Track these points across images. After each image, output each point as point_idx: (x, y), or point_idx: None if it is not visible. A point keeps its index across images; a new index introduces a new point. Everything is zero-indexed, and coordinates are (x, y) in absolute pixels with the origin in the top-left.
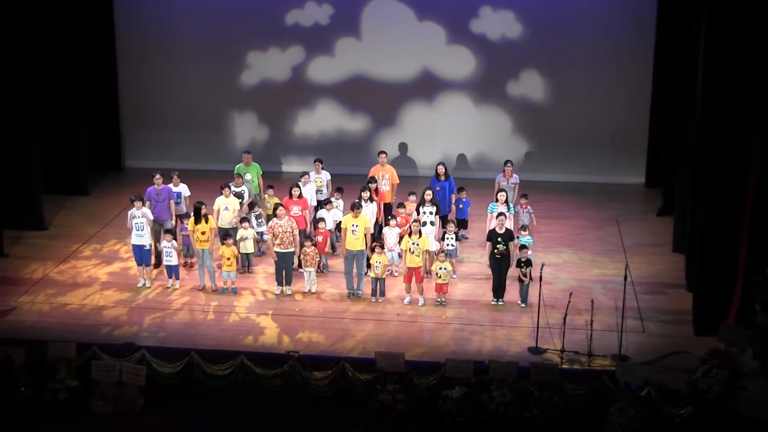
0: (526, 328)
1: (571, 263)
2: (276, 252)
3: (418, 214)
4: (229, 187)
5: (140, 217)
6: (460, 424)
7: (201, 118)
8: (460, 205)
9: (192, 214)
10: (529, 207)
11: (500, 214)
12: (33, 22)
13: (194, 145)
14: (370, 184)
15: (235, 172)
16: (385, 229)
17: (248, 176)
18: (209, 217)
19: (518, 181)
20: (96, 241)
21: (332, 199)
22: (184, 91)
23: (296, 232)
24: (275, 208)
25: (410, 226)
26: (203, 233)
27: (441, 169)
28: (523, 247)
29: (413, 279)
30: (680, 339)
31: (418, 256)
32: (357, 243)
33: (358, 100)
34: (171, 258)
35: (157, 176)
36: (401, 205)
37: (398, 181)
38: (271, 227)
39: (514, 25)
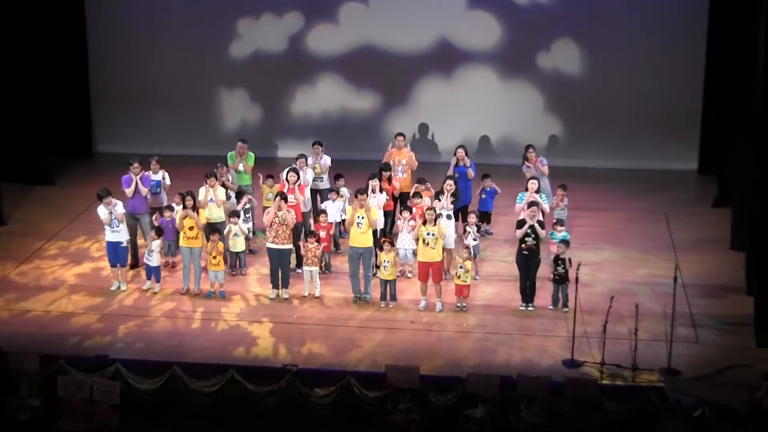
0: (560, 338)
1: (613, 262)
2: (271, 249)
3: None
4: (215, 176)
5: (112, 213)
6: None
7: (184, 95)
8: (483, 195)
9: (174, 205)
10: (566, 200)
11: (532, 203)
12: None
13: (176, 127)
14: (384, 172)
15: (227, 160)
16: (399, 223)
17: (241, 167)
18: (198, 210)
19: (546, 163)
20: (63, 238)
21: (341, 189)
22: (164, 64)
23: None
24: (275, 197)
25: (424, 214)
26: (191, 228)
27: (461, 153)
28: (565, 242)
29: (429, 278)
30: (740, 350)
31: (434, 248)
32: (363, 239)
33: (366, 75)
34: (152, 257)
35: (135, 165)
36: (417, 194)
37: (416, 164)
38: (268, 218)
39: None
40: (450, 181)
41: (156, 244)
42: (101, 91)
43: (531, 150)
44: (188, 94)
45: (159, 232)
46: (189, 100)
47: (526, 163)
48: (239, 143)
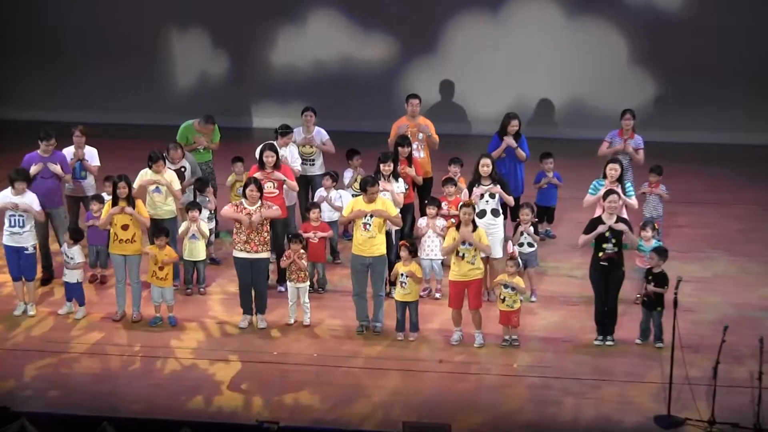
0: (651, 385)
1: (727, 278)
2: (240, 259)
3: (471, 195)
4: (163, 158)
5: (18, 206)
6: None
7: (119, 41)
8: (543, 183)
9: (106, 195)
10: (662, 187)
11: (610, 193)
12: None
13: (108, 86)
14: (401, 148)
15: (177, 138)
16: (421, 222)
17: (201, 144)
18: (137, 202)
19: (641, 145)
20: None
21: (358, 170)
22: (88, 1)
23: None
24: (245, 188)
25: (459, 214)
26: (125, 228)
27: (514, 125)
28: (659, 251)
29: (465, 301)
30: None
31: (472, 262)
32: (372, 244)
33: (376, 11)
34: (72, 270)
35: (51, 140)
36: (450, 181)
37: (437, 140)
38: (234, 215)
39: None
40: (486, 160)
41: (75, 251)
42: (2, 42)
43: (628, 116)
44: (124, 39)
45: (76, 234)
46: (125, 49)
47: (617, 133)
48: (207, 123)
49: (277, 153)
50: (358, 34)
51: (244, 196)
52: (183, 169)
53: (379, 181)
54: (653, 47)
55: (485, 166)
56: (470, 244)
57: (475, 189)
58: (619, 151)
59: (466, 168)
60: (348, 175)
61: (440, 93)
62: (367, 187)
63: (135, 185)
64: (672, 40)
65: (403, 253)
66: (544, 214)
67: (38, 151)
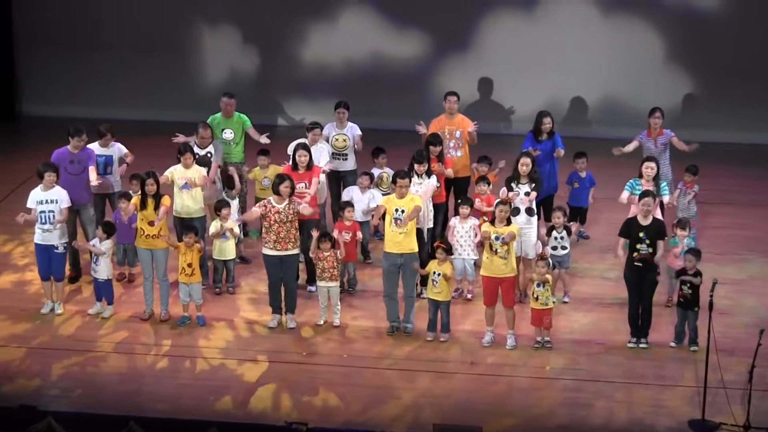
0: (685, 388)
1: (763, 281)
2: (269, 257)
3: (507, 191)
4: (192, 151)
5: (50, 201)
6: None
7: (147, 36)
8: (575, 183)
9: (134, 192)
10: (696, 187)
11: (646, 194)
12: None
13: (135, 83)
14: (432, 146)
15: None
16: (454, 222)
17: (227, 134)
18: (164, 198)
19: (673, 135)
20: None
21: (383, 170)
22: None
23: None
24: (278, 184)
25: (494, 211)
26: (152, 224)
27: (547, 123)
28: (694, 252)
29: (498, 299)
30: None
31: (505, 257)
32: (403, 242)
33: (408, 7)
34: (99, 268)
35: (82, 135)
36: (483, 179)
37: (476, 142)
38: (263, 212)
39: None
40: (526, 159)
41: (106, 246)
42: (29, 33)
43: (657, 115)
44: (153, 35)
45: (108, 228)
46: (154, 44)
47: (646, 133)
48: (224, 98)
49: (310, 152)
50: (390, 30)
51: (276, 192)
52: (209, 155)
53: (410, 176)
54: (689, 45)
55: (524, 165)
56: (502, 239)
57: (514, 186)
58: (653, 150)
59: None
60: (376, 173)
61: (473, 91)
62: (398, 179)
63: (167, 180)
64: (708, 38)
65: (440, 255)
66: (577, 214)
67: (68, 147)
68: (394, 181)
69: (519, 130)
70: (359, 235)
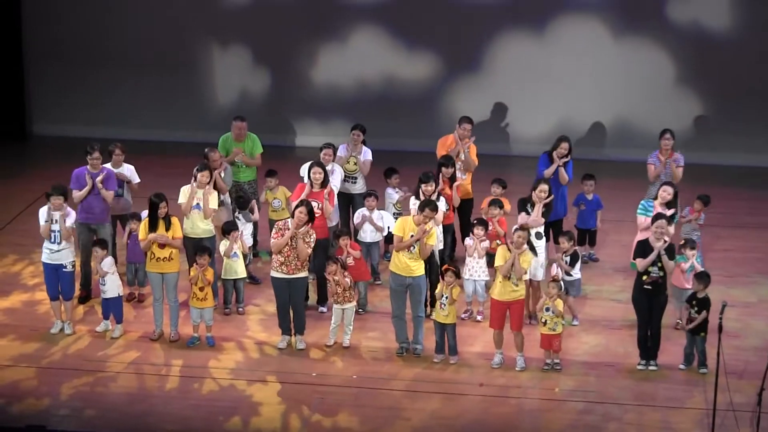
0: (694, 411)
1: None
2: (277, 279)
3: (519, 212)
4: (209, 168)
5: (58, 221)
6: None
7: (157, 58)
8: (582, 205)
9: (144, 214)
10: (702, 217)
11: (658, 216)
12: None
13: (145, 103)
14: (444, 168)
15: (218, 148)
16: (467, 242)
17: (238, 156)
18: (173, 220)
19: (681, 163)
20: None
21: (395, 191)
22: (127, 13)
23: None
24: (295, 207)
25: (511, 236)
26: (162, 246)
27: (563, 147)
28: (700, 276)
29: (507, 322)
30: None
31: (516, 284)
32: (412, 266)
33: (419, 29)
34: (107, 285)
35: (95, 154)
36: (496, 203)
37: (476, 162)
38: (278, 231)
39: None
40: (544, 186)
41: (107, 265)
42: (39, 54)
43: (667, 136)
44: (163, 55)
45: (102, 243)
46: (164, 64)
47: (657, 154)
48: (236, 122)
49: (325, 170)
50: (401, 52)
51: (293, 215)
52: (221, 176)
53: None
54: (700, 68)
55: (542, 192)
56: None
57: (530, 210)
58: (661, 172)
59: (509, 189)
60: (393, 194)
61: (484, 113)
62: (427, 208)
63: (180, 202)
64: (719, 60)
65: (449, 278)
66: (584, 236)
67: (87, 167)
68: (422, 209)
69: (528, 152)
70: (359, 252)
